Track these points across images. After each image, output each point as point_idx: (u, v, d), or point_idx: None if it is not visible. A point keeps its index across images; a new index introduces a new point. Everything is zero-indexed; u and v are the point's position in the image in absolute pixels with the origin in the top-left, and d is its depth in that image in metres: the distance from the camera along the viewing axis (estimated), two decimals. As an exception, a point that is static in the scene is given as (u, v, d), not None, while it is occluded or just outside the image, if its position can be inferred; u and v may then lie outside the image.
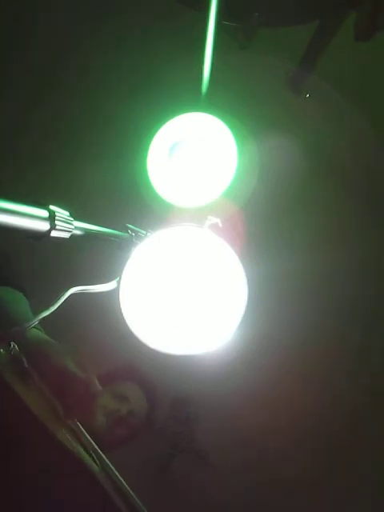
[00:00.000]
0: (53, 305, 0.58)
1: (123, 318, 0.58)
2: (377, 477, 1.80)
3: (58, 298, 0.59)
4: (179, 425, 1.84)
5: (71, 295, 0.60)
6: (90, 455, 0.65)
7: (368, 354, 1.92)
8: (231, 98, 1.75)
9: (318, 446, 1.82)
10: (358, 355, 1.91)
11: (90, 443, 0.67)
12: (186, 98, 0.84)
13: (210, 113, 0.83)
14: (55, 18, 2.01)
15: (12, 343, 0.67)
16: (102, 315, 1.20)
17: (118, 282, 0.59)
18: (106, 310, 0.80)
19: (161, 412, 1.82)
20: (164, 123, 0.84)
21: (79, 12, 2.00)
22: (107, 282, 0.64)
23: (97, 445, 0.68)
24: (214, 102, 0.89)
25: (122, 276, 0.59)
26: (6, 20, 1.98)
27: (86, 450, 0.66)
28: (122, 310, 0.58)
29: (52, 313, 0.58)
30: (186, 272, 0.60)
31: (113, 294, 0.61)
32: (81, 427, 0.68)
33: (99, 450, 0.66)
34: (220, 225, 0.74)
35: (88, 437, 0.67)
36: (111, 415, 0.94)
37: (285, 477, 1.74)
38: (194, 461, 1.82)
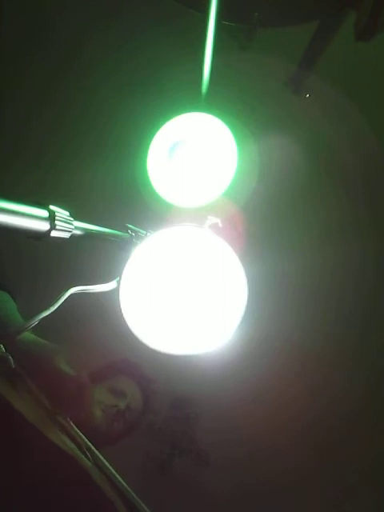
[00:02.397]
0: (53, 305, 0.58)
1: (123, 317, 0.58)
2: (376, 476, 1.80)
3: (58, 298, 0.59)
4: (179, 425, 1.84)
5: (71, 295, 0.60)
6: (84, 453, 0.65)
7: (367, 355, 1.92)
8: (231, 98, 1.75)
9: (318, 445, 1.82)
10: (357, 355, 1.91)
11: (84, 441, 0.67)
12: (186, 98, 0.84)
13: (210, 113, 0.83)
14: (56, 19, 2.01)
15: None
16: (102, 315, 1.20)
17: (118, 282, 0.59)
18: (105, 309, 0.80)
19: (161, 412, 1.82)
20: (164, 123, 0.84)
21: (79, 13, 2.00)
22: (107, 282, 0.64)
23: (95, 441, 0.68)
24: (214, 102, 0.89)
25: (122, 276, 0.59)
26: (5, 21, 1.98)
27: (79, 448, 0.66)
28: (122, 310, 0.58)
29: (52, 313, 0.58)
30: (186, 272, 0.60)
31: (113, 294, 0.61)
32: (73, 425, 0.68)
33: (93, 448, 0.66)
34: (220, 225, 0.74)
35: (81, 434, 0.67)
36: (110, 410, 0.94)
37: (284, 475, 1.74)
38: (193, 460, 1.82)
